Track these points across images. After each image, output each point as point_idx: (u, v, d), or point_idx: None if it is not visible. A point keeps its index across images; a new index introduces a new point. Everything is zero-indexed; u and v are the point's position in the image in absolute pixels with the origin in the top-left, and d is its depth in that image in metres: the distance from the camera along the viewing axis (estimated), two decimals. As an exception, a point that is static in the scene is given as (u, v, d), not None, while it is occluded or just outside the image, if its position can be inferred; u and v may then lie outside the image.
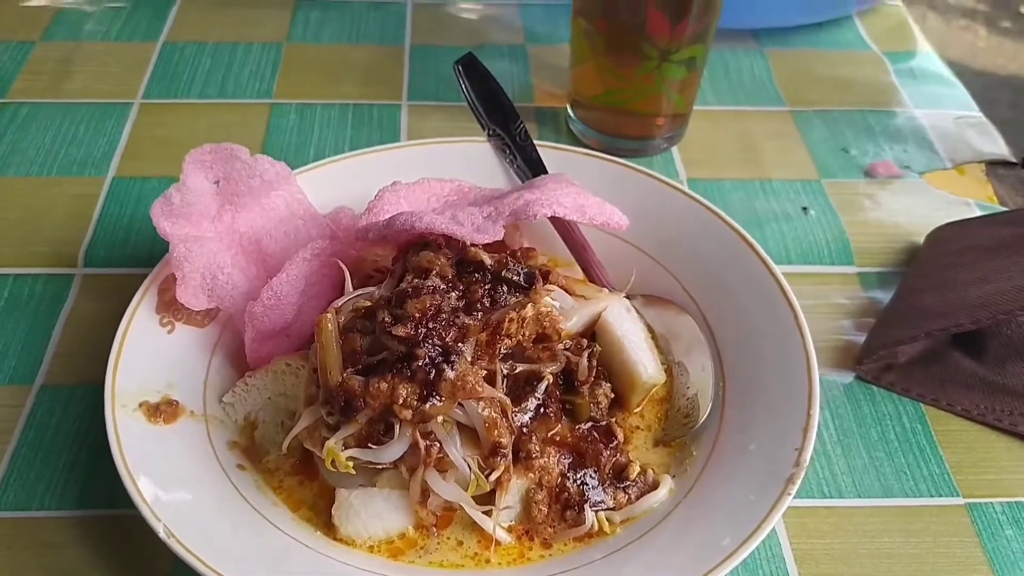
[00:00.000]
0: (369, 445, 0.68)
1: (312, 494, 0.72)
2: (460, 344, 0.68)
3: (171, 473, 0.68)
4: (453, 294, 0.71)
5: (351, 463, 0.67)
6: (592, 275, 0.85)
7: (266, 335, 0.76)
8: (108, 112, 1.10)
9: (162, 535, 0.63)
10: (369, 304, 0.73)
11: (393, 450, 0.68)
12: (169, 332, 0.77)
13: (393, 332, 0.68)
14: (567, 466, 0.71)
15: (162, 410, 0.72)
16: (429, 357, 0.67)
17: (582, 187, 0.84)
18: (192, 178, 0.79)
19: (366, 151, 0.92)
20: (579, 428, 0.72)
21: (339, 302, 0.73)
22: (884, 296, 0.91)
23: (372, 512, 0.68)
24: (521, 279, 0.74)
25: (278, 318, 0.76)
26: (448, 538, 0.70)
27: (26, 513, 0.73)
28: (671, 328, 0.83)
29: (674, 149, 1.08)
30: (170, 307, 0.77)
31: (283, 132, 1.09)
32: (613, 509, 0.70)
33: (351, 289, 0.75)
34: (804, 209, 1.01)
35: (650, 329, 0.82)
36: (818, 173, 1.06)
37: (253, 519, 0.68)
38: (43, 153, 1.05)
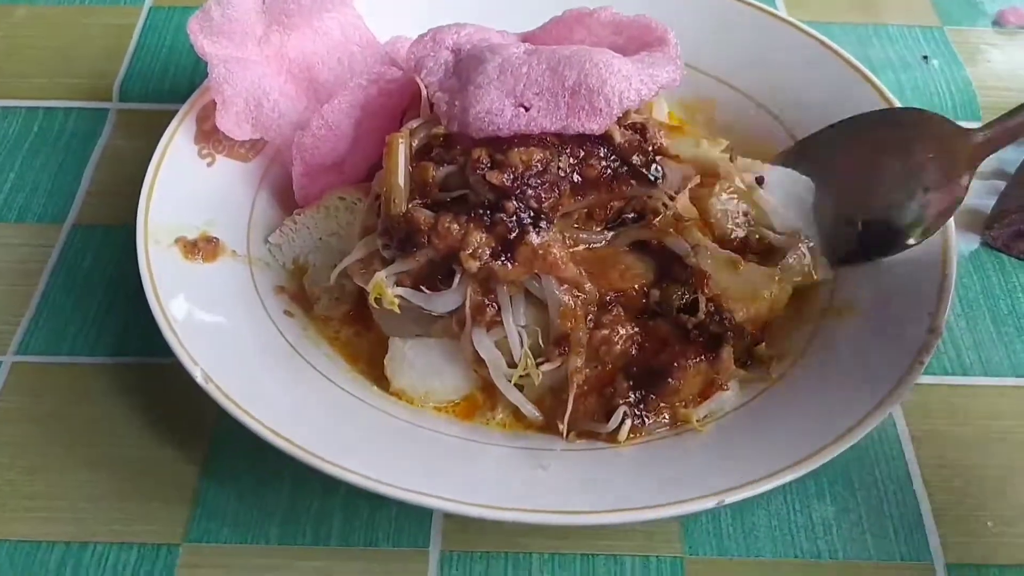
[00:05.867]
0: (423, 289, 0.60)
1: (369, 345, 0.65)
2: (555, 213, 0.59)
3: (210, 316, 0.61)
4: (565, 158, 0.60)
5: (397, 301, 0.59)
6: None
7: (317, 170, 0.68)
8: (145, -64, 1.00)
9: (199, 380, 0.56)
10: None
11: (446, 300, 0.60)
12: (209, 165, 0.69)
13: (486, 176, 0.58)
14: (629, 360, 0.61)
15: (200, 247, 0.64)
16: (517, 215, 0.58)
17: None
18: (234, -10, 0.69)
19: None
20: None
21: (414, 123, 0.63)
22: (1015, 156, 0.80)
23: (429, 366, 0.61)
24: (650, 174, 0.62)
25: (330, 150, 0.67)
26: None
27: (56, 358, 0.67)
28: None
29: (774, -10, 0.96)
30: (210, 137, 0.69)
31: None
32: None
33: (429, 111, 0.65)
34: (924, 58, 0.90)
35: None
36: (940, 19, 0.94)
37: (302, 369, 0.61)
38: (75, -20, 0.96)
